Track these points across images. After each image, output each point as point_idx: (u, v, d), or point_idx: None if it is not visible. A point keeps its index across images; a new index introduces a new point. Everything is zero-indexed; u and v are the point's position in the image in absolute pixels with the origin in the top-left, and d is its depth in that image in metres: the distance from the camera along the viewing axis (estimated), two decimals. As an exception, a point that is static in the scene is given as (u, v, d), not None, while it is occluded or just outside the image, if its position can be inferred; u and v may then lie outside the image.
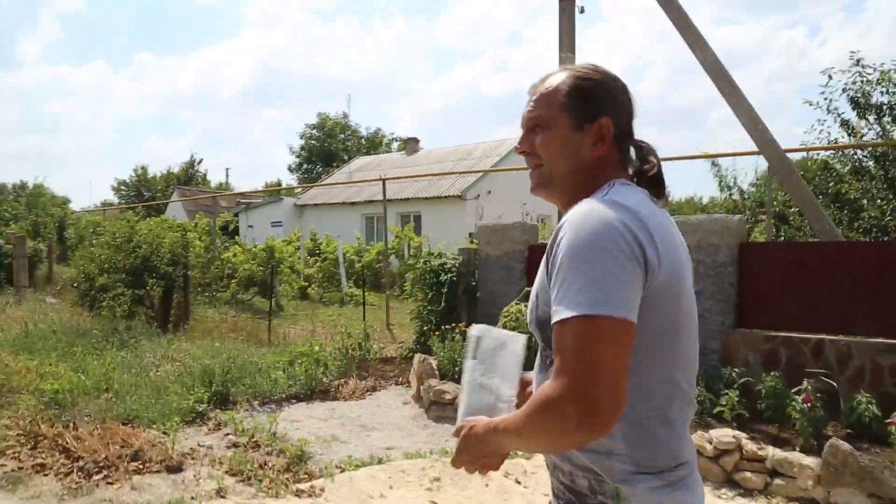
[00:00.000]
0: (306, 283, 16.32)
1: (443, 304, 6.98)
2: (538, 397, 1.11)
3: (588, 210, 1.17)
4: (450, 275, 7.03)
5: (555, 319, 1.11)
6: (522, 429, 1.15)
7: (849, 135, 9.66)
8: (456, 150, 23.34)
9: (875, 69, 9.35)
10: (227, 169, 43.82)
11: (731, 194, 13.93)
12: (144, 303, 9.80)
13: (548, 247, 1.22)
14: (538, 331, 1.27)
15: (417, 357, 6.30)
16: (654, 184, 1.34)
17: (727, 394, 4.70)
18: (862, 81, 9.49)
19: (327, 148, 39.37)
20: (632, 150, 1.37)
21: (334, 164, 39.33)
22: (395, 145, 43.06)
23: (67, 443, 3.92)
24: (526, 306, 5.18)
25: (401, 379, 6.83)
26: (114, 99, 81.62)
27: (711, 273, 5.73)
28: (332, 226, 19.77)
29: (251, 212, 24.59)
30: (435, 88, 76.16)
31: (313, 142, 40.23)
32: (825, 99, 9.73)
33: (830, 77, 9.54)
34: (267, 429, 4.74)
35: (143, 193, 35.89)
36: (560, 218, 1.26)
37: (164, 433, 4.56)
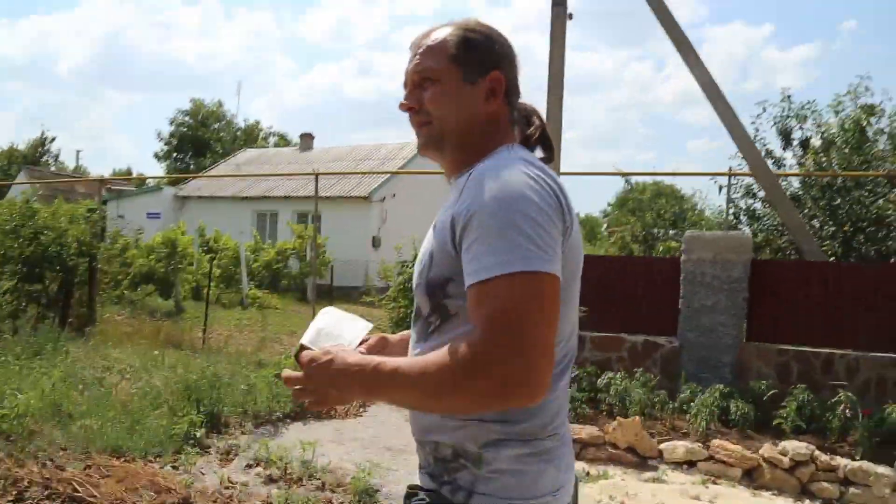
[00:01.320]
0: (199, 283, 14.84)
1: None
2: (461, 352, 0.98)
3: (501, 164, 1.11)
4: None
5: (482, 277, 1.00)
6: (427, 383, 1.01)
7: (774, 164, 10.35)
8: (355, 149, 22.51)
9: (801, 106, 10.13)
10: (77, 151, 39.45)
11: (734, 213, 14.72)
12: (40, 300, 8.30)
13: (450, 206, 1.13)
14: (427, 295, 1.16)
15: None
16: (543, 147, 1.29)
17: (785, 406, 4.77)
18: (787, 116, 10.24)
19: (201, 137, 36.63)
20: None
21: (207, 154, 36.70)
22: (271, 140, 41.10)
23: (77, 489, 2.97)
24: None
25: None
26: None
27: (725, 288, 5.75)
28: (218, 221, 18.20)
29: (123, 201, 22.14)
30: (297, 85, 73.66)
31: (185, 129, 37.25)
32: (755, 129, 10.38)
33: (764, 109, 10.19)
34: (295, 457, 4.00)
35: (-22, 171, 31.16)
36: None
37: (174, 467, 3.70)
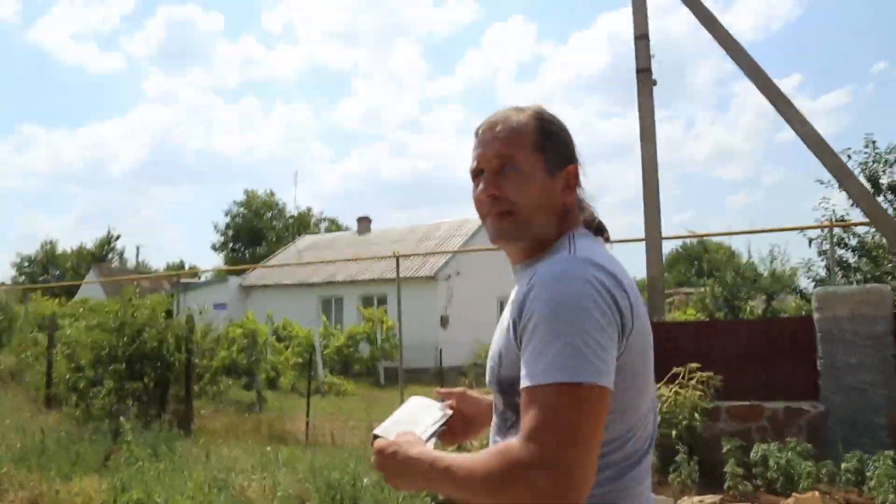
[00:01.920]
0: (275, 372, 14.83)
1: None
2: (503, 458, 1.03)
3: (563, 270, 1.11)
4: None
5: (528, 384, 1.04)
6: (472, 482, 1.05)
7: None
8: (414, 230, 22.80)
9: (888, 150, 9.86)
10: (137, 247, 41.05)
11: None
12: (140, 398, 8.32)
13: (515, 304, 1.15)
14: (499, 393, 1.21)
15: None
16: (599, 230, 1.30)
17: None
18: (873, 162, 9.97)
19: (255, 227, 37.78)
20: None
21: (262, 244, 37.73)
22: (323, 225, 42.12)
23: None
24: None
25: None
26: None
27: (869, 344, 5.40)
28: (284, 309, 18.40)
29: (189, 293, 22.67)
30: (334, 171, 75.95)
31: (239, 220, 38.52)
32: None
33: (849, 157, 9.94)
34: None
35: (50, 271, 32.60)
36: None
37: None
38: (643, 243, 7.48)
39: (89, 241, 36.48)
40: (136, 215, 71.26)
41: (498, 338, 1.22)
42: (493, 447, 1.10)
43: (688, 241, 54.38)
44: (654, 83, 7.60)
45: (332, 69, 74.72)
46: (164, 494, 4.28)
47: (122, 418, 7.20)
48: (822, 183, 10.23)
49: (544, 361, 1.03)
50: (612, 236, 1.36)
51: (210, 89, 72.52)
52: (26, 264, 33.76)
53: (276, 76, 74.85)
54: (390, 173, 71.72)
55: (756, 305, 14.18)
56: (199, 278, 27.29)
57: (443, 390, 1.55)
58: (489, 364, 1.23)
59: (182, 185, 72.57)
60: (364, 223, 24.69)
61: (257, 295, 21.78)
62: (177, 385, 8.82)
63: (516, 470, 1.00)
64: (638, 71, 7.63)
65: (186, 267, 42.62)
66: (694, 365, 5.70)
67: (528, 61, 76.68)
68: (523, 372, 1.06)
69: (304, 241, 26.34)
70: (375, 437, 1.29)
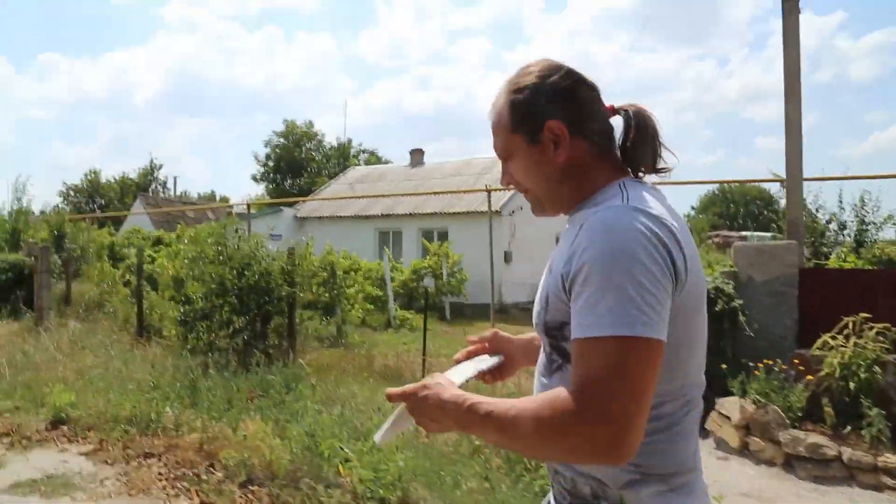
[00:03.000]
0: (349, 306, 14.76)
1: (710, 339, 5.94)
2: (553, 407, 1.01)
3: (614, 217, 1.07)
4: (726, 304, 5.94)
5: (581, 335, 1.03)
6: (522, 429, 1.04)
7: None
8: (469, 164, 22.25)
9: None
10: (175, 178, 40.64)
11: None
12: (249, 332, 8.20)
13: (564, 250, 1.13)
14: (546, 335, 1.20)
15: (734, 402, 5.32)
16: (644, 155, 1.24)
17: None
18: None
19: (296, 158, 37.40)
20: (620, 121, 1.26)
21: (304, 174, 37.42)
22: (362, 157, 41.56)
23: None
24: None
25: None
26: (15, 99, 74.82)
27: None
28: (340, 241, 18.19)
29: (243, 223, 22.63)
30: (358, 103, 74.61)
31: (280, 151, 38.12)
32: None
33: None
34: None
35: (96, 199, 32.76)
36: None
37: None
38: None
39: (131, 170, 36.50)
40: (159, 146, 71.08)
41: (545, 280, 1.19)
42: (542, 395, 1.06)
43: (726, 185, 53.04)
44: (799, 11, 6.96)
45: (356, -1, 72.40)
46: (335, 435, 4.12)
47: (256, 353, 7.09)
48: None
49: (597, 313, 1.01)
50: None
51: (231, 17, 70.80)
52: (71, 193, 33.92)
53: (298, 4, 72.73)
54: (414, 107, 70.36)
55: (842, 253, 13.66)
56: (249, 209, 27.23)
57: (474, 337, 1.53)
58: (536, 307, 1.22)
59: (204, 117, 72.09)
60: (417, 155, 24.15)
61: (312, 226, 21.57)
62: (279, 318, 8.71)
63: (568, 420, 0.99)
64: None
65: (217, 198, 42.68)
66: (864, 315, 5.37)
67: (557, -8, 73.50)
68: (574, 322, 1.05)
69: (355, 172, 25.95)
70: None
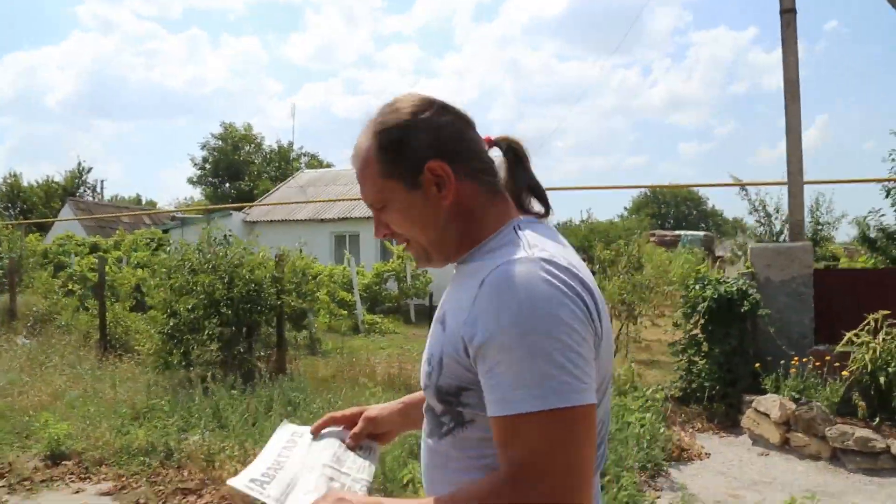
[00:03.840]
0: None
1: (735, 339, 5.91)
2: (501, 500, 0.89)
3: (521, 273, 0.94)
4: (750, 305, 5.90)
5: (508, 412, 0.90)
6: None
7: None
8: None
9: None
10: (101, 181, 37.76)
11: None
12: (242, 344, 7.66)
13: (461, 311, 0.99)
14: (437, 401, 1.05)
15: (772, 400, 5.31)
16: (533, 188, 1.16)
17: None
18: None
19: (236, 161, 36.11)
20: (499, 153, 1.17)
21: (245, 178, 36.14)
22: (304, 160, 40.53)
23: None
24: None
25: (699, 425, 5.86)
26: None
27: None
28: (293, 245, 17.53)
29: (188, 228, 21.56)
30: (285, 106, 73.29)
31: (218, 154, 36.70)
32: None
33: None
34: None
35: (17, 204, 30.52)
36: None
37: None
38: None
39: (56, 173, 34.21)
40: (75, 149, 67.25)
41: (438, 337, 1.05)
42: (470, 489, 0.96)
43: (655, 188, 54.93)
44: (796, 23, 7.10)
45: (283, 2, 71.08)
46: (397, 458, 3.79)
47: (250, 365, 6.60)
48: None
49: (523, 385, 0.89)
50: (567, 181, 1.15)
51: (152, 18, 68.11)
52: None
53: (223, 6, 70.71)
54: (343, 110, 69.59)
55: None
56: (174, 216, 26.09)
57: (337, 414, 1.35)
58: (424, 367, 1.08)
59: (124, 119, 68.84)
60: (370, 158, 23.66)
61: (263, 230, 20.75)
62: (266, 328, 8.19)
63: None
64: (782, 12, 7.12)
65: (143, 202, 40.59)
66: (884, 312, 5.48)
67: (488, 2, 74.47)
68: (495, 397, 0.92)
69: (305, 175, 25.21)
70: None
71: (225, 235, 7.89)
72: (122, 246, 19.99)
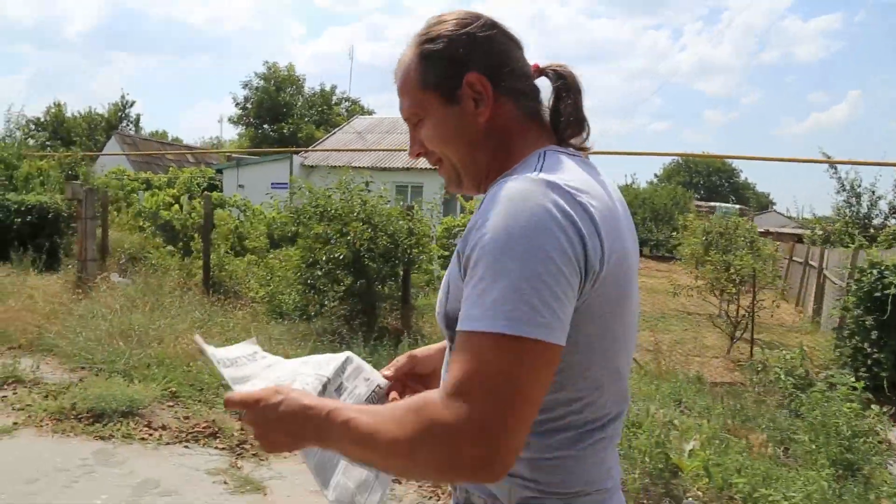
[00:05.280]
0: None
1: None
2: (420, 415, 0.86)
3: (518, 192, 0.90)
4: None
5: (464, 327, 0.87)
6: (381, 441, 0.87)
7: None
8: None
9: None
10: (138, 115, 36.76)
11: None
12: (369, 299, 7.23)
13: (467, 228, 0.95)
14: (446, 328, 1.03)
15: None
16: (575, 123, 1.07)
17: None
18: None
19: (278, 102, 35.35)
20: (547, 83, 1.10)
21: (283, 120, 35.44)
22: (344, 105, 39.65)
23: None
24: None
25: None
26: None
27: None
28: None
29: (243, 169, 21.12)
30: (308, 50, 71.62)
31: (260, 94, 35.91)
32: None
33: None
34: None
35: (61, 135, 30.06)
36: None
37: None
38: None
39: (98, 105, 33.63)
40: (93, 81, 66.23)
41: (451, 265, 1.01)
42: (407, 401, 0.92)
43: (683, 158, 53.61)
44: None
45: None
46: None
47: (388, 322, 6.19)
48: None
49: (483, 304, 0.85)
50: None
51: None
52: (32, 127, 30.96)
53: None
54: (366, 56, 67.97)
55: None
56: (229, 156, 25.54)
57: (388, 371, 1.28)
58: (439, 295, 1.05)
59: (144, 54, 67.62)
60: (430, 107, 22.91)
61: (322, 175, 20.30)
62: (393, 284, 7.74)
63: (435, 431, 0.84)
64: None
65: (170, 138, 40.04)
66: None
67: (518, -49, 72.03)
68: (461, 312, 0.89)
69: (361, 122, 24.54)
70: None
71: (367, 182, 7.39)
72: (177, 184, 19.61)
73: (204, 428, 3.95)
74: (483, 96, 1.03)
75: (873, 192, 14.02)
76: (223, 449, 3.73)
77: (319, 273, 6.72)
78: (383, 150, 19.61)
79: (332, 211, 6.93)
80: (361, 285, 6.89)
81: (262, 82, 36.13)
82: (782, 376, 4.83)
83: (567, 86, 1.08)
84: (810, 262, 12.93)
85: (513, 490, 0.99)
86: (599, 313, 0.93)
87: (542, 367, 0.85)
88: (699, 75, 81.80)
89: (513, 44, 1.08)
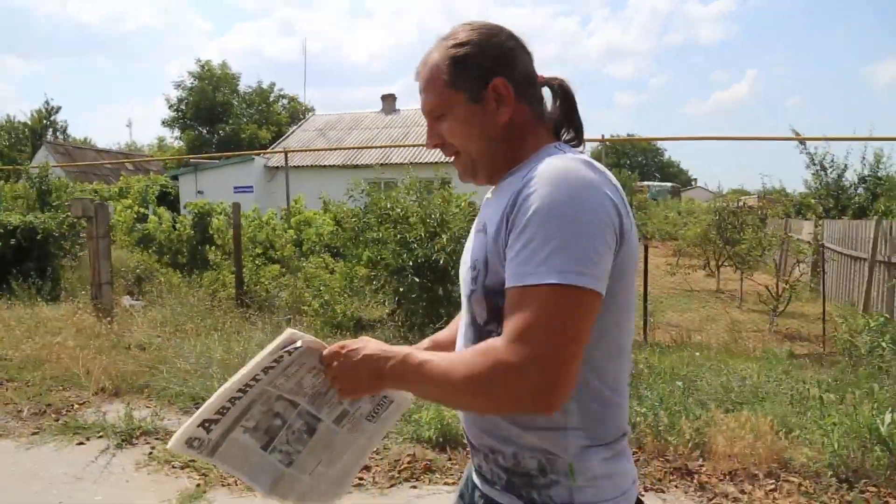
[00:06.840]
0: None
1: None
2: (490, 355, 0.99)
3: (563, 166, 1.05)
4: None
5: (519, 283, 1.00)
6: (454, 379, 1.02)
7: None
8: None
9: None
10: (66, 122, 34.39)
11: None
12: (421, 302, 7.09)
13: (507, 204, 1.07)
14: (484, 299, 1.12)
15: None
16: (574, 127, 1.26)
17: None
18: None
19: (215, 102, 34.02)
20: (546, 93, 1.27)
21: (228, 121, 34.19)
22: (282, 102, 38.56)
23: None
24: None
25: None
26: None
27: None
28: (320, 193, 16.68)
29: (202, 174, 20.26)
30: (215, 46, 69.36)
31: (194, 95, 34.44)
32: None
33: None
34: None
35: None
36: None
37: None
38: None
39: (20, 113, 31.32)
40: None
41: (479, 241, 1.14)
42: (473, 347, 1.05)
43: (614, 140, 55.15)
44: None
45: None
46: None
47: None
48: None
49: (539, 260, 0.98)
50: None
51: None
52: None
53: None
54: (275, 52, 66.41)
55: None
56: (187, 162, 24.58)
57: None
58: (467, 275, 1.16)
59: (35, 58, 63.60)
60: (389, 101, 22.61)
61: (284, 177, 19.71)
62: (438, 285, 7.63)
63: (504, 370, 0.97)
64: None
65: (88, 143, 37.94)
66: None
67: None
68: (511, 269, 1.02)
69: (319, 119, 23.93)
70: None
71: (430, 183, 7.24)
72: (131, 194, 18.60)
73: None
74: (505, 99, 1.16)
75: (845, 167, 14.79)
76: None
77: (407, 279, 6.57)
78: (354, 148, 19.19)
79: (413, 215, 6.80)
80: (444, 290, 6.80)
81: (195, 81, 34.67)
82: (882, 344, 5.05)
83: (566, 95, 1.25)
84: (789, 234, 13.55)
85: (570, 443, 1.09)
86: (626, 275, 1.08)
87: (588, 312, 0.99)
88: (609, 59, 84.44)
89: (527, 54, 1.22)
